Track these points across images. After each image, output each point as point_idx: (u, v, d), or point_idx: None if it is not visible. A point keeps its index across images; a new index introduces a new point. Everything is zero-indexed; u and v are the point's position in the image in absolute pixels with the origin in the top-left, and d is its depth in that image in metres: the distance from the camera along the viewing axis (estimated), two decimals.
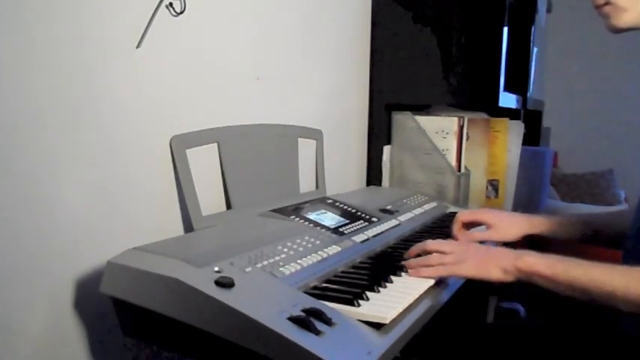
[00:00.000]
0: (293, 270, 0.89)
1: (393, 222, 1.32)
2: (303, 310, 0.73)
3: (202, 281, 0.76)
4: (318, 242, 1.04)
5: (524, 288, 0.98)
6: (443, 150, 1.73)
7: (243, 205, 1.18)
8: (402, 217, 1.37)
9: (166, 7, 1.03)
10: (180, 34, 1.08)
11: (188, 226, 1.09)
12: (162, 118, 1.06)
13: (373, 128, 1.86)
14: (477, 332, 1.19)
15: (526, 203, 1.89)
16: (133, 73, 1.00)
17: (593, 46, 3.41)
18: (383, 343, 0.74)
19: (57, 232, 0.89)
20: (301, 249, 0.99)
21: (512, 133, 1.77)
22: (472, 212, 1.30)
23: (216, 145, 1.14)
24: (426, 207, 1.55)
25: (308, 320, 0.71)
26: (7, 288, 0.83)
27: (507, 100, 1.78)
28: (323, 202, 1.31)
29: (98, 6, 0.92)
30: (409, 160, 1.78)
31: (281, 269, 0.88)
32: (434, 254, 1.00)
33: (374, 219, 1.28)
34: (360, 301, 0.82)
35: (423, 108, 1.83)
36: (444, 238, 1.19)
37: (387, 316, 0.79)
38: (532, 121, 2.09)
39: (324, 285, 0.91)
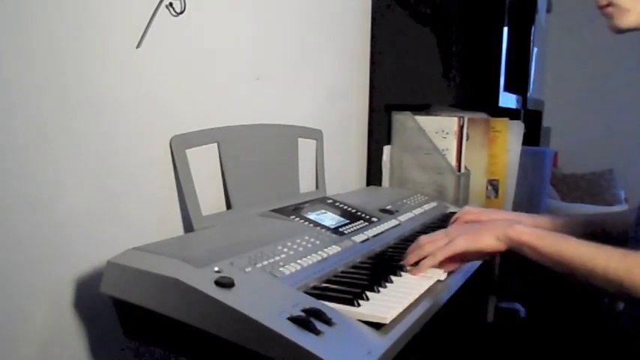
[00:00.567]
0: (293, 270, 0.89)
1: (393, 222, 1.32)
2: (303, 310, 0.73)
3: (202, 281, 0.76)
4: (318, 242, 1.04)
5: (524, 288, 0.98)
6: (443, 150, 1.73)
7: (243, 205, 1.18)
8: (402, 217, 1.37)
9: (166, 7, 1.03)
10: (180, 34, 1.08)
11: (188, 226, 1.09)
12: (162, 118, 1.06)
13: (373, 128, 1.86)
14: (477, 332, 1.19)
15: (526, 203, 1.89)
16: (133, 73, 1.00)
17: (593, 46, 3.41)
18: (383, 343, 0.74)
19: (57, 232, 0.89)
20: (301, 249, 0.99)
21: (512, 133, 1.77)
22: (476, 213, 1.26)
23: (216, 145, 1.14)
24: (426, 207, 1.55)
25: (308, 320, 0.71)
26: (7, 288, 0.83)
27: (507, 100, 1.78)
28: (323, 202, 1.31)
29: (98, 6, 0.92)
30: (409, 160, 1.78)
31: (281, 269, 0.88)
32: (426, 244, 1.01)
33: (374, 219, 1.28)
34: (360, 301, 0.82)
35: (423, 108, 1.83)
36: None
37: (387, 316, 0.79)
38: (532, 121, 2.09)
39: (324, 285, 0.91)
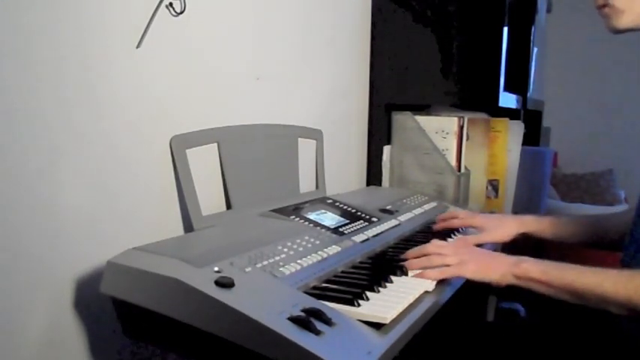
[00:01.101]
0: (293, 270, 0.89)
1: (393, 222, 1.32)
2: (303, 310, 0.73)
3: (202, 281, 0.76)
4: (318, 242, 1.04)
5: (524, 288, 0.99)
6: (443, 150, 1.73)
7: (243, 205, 1.18)
8: (402, 217, 1.37)
9: (166, 7, 1.03)
10: (180, 34, 1.08)
11: (188, 226, 1.09)
12: (162, 118, 1.06)
13: (373, 128, 1.86)
14: (477, 332, 1.19)
15: (526, 203, 1.89)
16: (133, 73, 1.00)
17: (593, 46, 3.41)
18: (383, 343, 0.74)
19: (57, 232, 0.89)
20: (301, 249, 0.99)
21: (512, 133, 1.77)
22: (462, 220, 1.33)
23: (216, 145, 1.14)
24: (426, 207, 1.55)
25: (308, 320, 0.71)
26: (7, 288, 0.83)
27: (507, 100, 1.78)
28: (323, 202, 1.31)
29: (98, 6, 0.92)
30: (409, 160, 1.78)
31: (281, 269, 0.88)
32: (436, 256, 1.01)
33: (374, 219, 1.28)
34: (360, 301, 0.82)
35: (423, 108, 1.83)
36: (443, 239, 1.20)
37: (387, 316, 0.79)
38: (532, 121, 2.09)
39: (324, 285, 0.91)
